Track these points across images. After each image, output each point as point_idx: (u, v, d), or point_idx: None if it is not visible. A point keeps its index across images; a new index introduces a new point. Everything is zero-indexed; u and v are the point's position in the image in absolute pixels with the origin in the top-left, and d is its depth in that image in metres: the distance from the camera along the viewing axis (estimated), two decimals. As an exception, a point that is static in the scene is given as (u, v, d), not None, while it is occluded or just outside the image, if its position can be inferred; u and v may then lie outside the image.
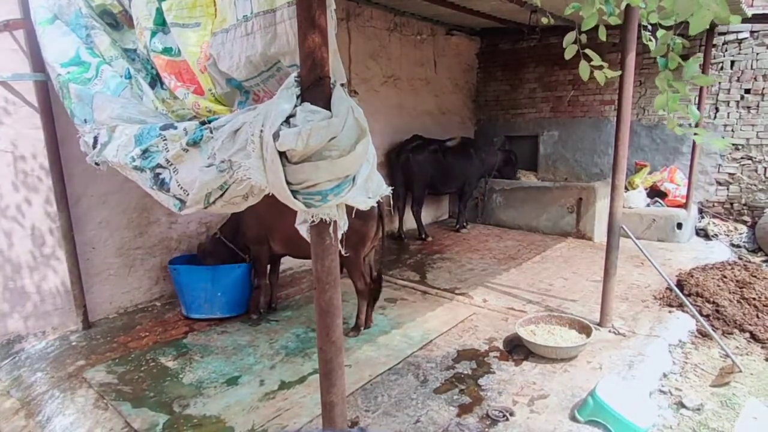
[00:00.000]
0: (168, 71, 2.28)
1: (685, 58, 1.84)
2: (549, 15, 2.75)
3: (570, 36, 2.00)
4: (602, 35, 2.10)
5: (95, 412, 2.92)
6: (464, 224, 7.30)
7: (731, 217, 6.67)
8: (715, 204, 6.79)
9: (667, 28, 1.78)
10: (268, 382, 3.19)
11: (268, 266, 4.31)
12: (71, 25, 2.83)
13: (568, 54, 2.04)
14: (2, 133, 3.54)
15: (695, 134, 1.91)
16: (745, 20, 5.16)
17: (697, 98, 6.10)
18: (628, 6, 2.87)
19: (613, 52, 5.46)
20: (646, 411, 2.68)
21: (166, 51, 2.25)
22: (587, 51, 2.01)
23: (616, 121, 3.66)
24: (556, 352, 3.36)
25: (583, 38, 1.98)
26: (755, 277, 4.53)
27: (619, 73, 2.62)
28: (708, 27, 1.58)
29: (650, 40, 2.06)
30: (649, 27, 2.00)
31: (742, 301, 4.17)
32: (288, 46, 1.63)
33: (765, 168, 6.34)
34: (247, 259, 4.24)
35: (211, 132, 1.89)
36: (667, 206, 6.62)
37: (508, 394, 2.97)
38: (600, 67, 2.05)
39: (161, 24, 2.25)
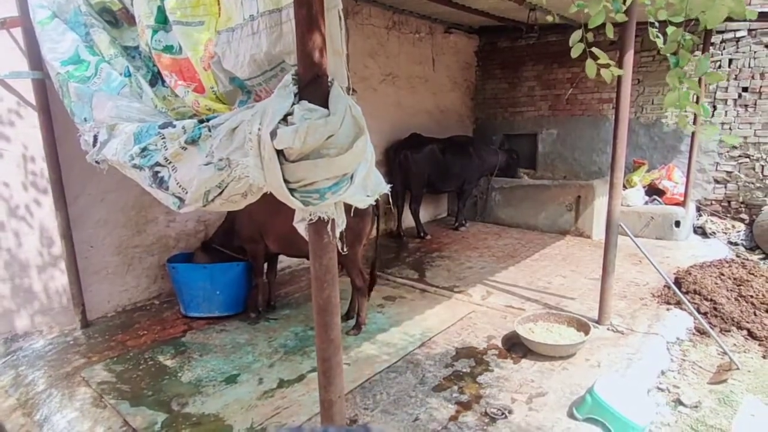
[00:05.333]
0: (169, 69, 2.28)
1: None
2: (553, 13, 2.73)
3: (576, 35, 1.99)
4: (609, 33, 2.08)
5: (94, 410, 2.92)
6: (463, 222, 7.30)
7: (729, 215, 6.68)
8: (713, 202, 6.80)
9: (677, 25, 1.77)
10: (266, 380, 3.19)
11: (265, 264, 4.31)
12: (70, 23, 2.82)
13: (575, 53, 2.02)
14: (5, 134, 3.53)
15: (705, 131, 1.92)
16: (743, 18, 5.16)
17: (694, 96, 6.09)
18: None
19: (611, 50, 5.45)
20: (644, 408, 2.69)
21: (167, 49, 2.25)
22: (594, 49, 2.00)
23: (614, 120, 3.66)
24: (554, 350, 3.37)
25: (590, 36, 1.98)
26: (753, 274, 4.54)
27: (624, 70, 2.60)
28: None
29: (657, 36, 2.05)
30: (656, 24, 1.99)
31: (739, 298, 4.18)
32: (293, 45, 1.63)
33: (762, 166, 6.35)
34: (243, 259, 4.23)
35: (209, 130, 1.88)
36: (665, 204, 6.62)
37: (507, 392, 2.98)
38: (606, 65, 2.04)
39: (163, 22, 2.24)
